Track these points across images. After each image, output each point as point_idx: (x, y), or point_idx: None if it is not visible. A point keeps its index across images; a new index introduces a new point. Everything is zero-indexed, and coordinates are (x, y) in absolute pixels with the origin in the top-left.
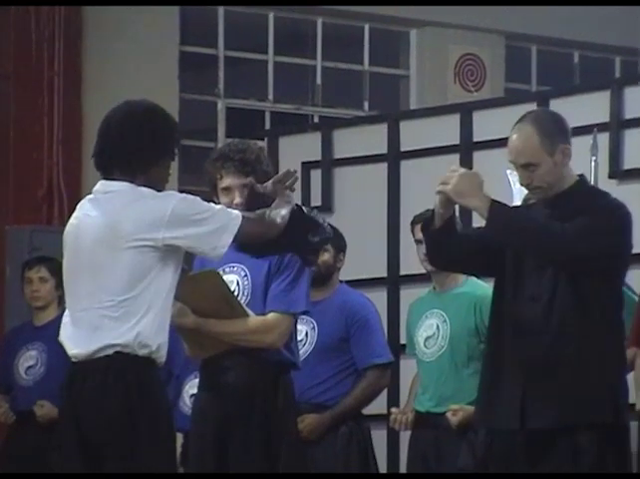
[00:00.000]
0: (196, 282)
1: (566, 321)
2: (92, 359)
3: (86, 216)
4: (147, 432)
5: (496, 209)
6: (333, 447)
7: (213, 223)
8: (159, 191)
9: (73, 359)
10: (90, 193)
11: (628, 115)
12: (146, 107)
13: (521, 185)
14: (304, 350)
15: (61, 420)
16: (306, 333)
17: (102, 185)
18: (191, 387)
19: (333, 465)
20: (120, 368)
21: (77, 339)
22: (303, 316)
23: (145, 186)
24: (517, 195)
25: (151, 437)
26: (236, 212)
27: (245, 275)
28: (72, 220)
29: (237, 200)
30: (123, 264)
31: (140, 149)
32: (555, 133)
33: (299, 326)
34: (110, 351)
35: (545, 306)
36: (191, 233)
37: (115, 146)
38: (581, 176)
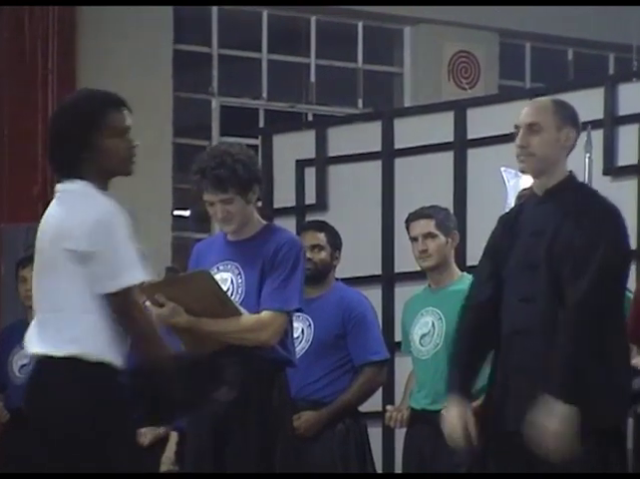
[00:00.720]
0: (188, 282)
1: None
2: (51, 361)
3: (48, 216)
4: (106, 434)
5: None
6: (330, 444)
7: (124, 258)
8: (127, 169)
9: (33, 359)
10: None
11: (622, 111)
12: (65, 99)
13: (517, 146)
14: (300, 347)
15: (24, 422)
16: (302, 331)
17: (59, 185)
18: None
19: (330, 462)
20: (78, 371)
21: (38, 340)
22: (299, 314)
23: (101, 172)
24: (512, 192)
25: (111, 438)
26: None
27: (239, 274)
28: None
29: (220, 215)
30: (68, 270)
31: (62, 136)
32: (568, 116)
33: (295, 324)
34: (68, 354)
35: (543, 308)
36: (105, 251)
37: (50, 146)
38: (571, 172)
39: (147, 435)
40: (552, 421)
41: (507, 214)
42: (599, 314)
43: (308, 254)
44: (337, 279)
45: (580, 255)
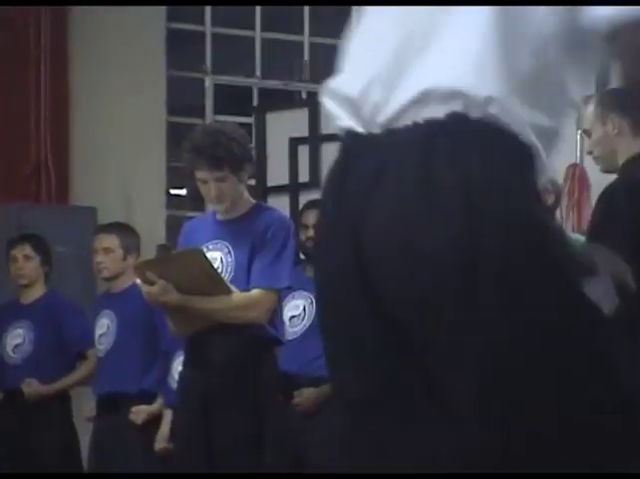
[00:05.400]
0: (179, 260)
1: None
2: None
3: None
4: None
5: None
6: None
7: None
8: None
9: None
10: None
11: None
12: None
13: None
14: (303, 325)
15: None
16: (304, 308)
17: None
18: (180, 364)
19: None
20: None
21: None
22: (301, 291)
23: None
24: None
25: None
26: None
27: (229, 252)
28: None
29: (213, 193)
30: None
31: None
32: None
33: (297, 301)
34: None
35: None
36: None
37: None
38: None
39: (140, 413)
40: None
41: None
42: None
43: (311, 233)
44: None
45: None
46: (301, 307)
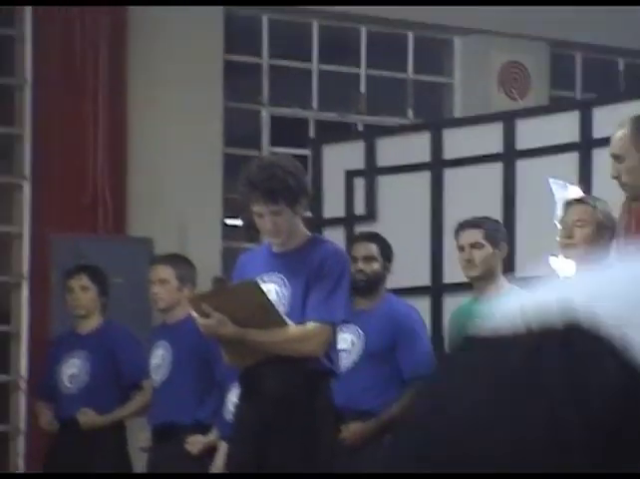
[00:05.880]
0: (236, 293)
1: None
2: None
3: None
4: None
5: None
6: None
7: None
8: None
9: None
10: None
11: None
12: None
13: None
14: (351, 359)
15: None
16: (352, 342)
17: None
18: (235, 395)
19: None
20: None
21: None
22: (350, 325)
23: None
24: (559, 203)
25: None
26: None
27: (284, 285)
28: None
29: (269, 226)
30: None
31: None
32: None
33: (346, 335)
34: None
35: None
36: None
37: None
38: None
39: (196, 443)
40: None
41: None
42: None
43: (360, 266)
44: (387, 291)
45: None
46: (349, 341)
